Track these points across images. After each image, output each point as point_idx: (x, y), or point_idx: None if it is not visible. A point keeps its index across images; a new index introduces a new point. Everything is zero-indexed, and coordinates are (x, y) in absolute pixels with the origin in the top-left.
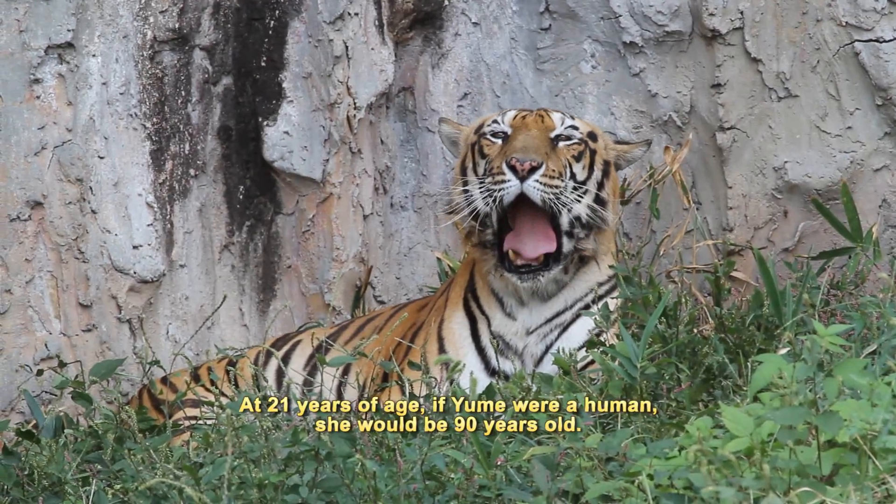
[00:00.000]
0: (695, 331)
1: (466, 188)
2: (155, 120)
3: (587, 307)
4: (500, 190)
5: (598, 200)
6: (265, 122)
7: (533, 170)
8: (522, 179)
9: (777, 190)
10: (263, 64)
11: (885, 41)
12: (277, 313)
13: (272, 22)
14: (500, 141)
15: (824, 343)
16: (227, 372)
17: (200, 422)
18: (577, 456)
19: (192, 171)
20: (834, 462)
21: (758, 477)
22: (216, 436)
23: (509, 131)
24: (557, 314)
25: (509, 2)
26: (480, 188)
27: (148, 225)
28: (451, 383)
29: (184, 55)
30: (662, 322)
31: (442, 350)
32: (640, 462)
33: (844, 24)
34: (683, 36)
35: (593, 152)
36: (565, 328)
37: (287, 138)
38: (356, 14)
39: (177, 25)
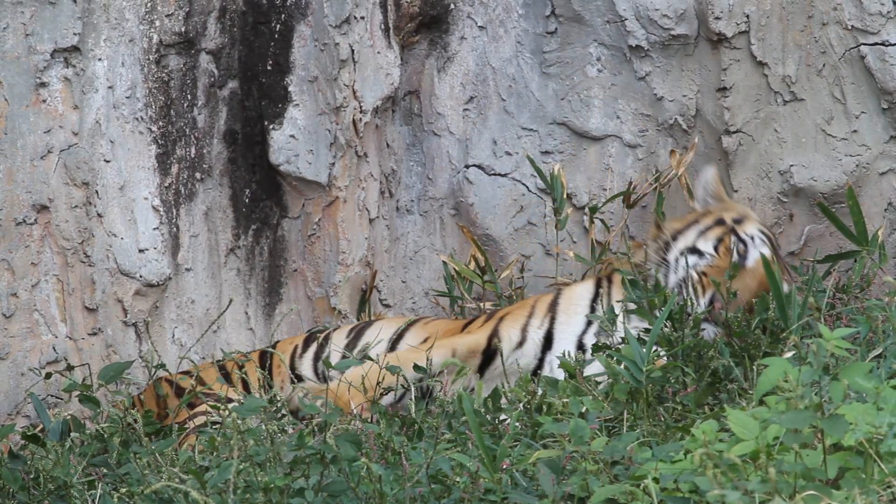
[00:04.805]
0: (700, 334)
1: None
2: (161, 124)
3: None
4: (692, 290)
5: None
6: (271, 126)
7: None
8: (705, 318)
9: (783, 193)
10: (269, 68)
11: (890, 45)
12: (283, 317)
13: (278, 26)
14: (714, 242)
15: (830, 346)
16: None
17: (208, 419)
18: (582, 459)
19: (198, 175)
20: (839, 465)
21: (763, 480)
22: (222, 439)
23: (716, 254)
24: None
25: (515, 5)
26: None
27: (154, 228)
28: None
29: (190, 59)
30: (668, 325)
31: (552, 311)
32: (645, 465)
33: (850, 27)
34: (689, 39)
35: None
36: None
37: (293, 142)
38: (362, 18)
39: (183, 29)
